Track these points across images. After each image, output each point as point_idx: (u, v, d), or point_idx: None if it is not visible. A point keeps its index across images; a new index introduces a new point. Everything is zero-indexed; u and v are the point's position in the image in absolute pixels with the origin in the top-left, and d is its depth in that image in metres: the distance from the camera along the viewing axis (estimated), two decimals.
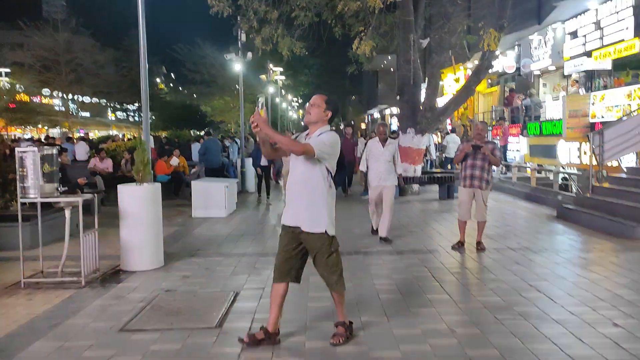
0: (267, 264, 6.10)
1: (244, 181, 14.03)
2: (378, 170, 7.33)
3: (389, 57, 41.39)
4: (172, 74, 61.28)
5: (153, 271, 5.80)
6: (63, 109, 34.57)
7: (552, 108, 13.71)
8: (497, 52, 12.67)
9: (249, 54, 14.15)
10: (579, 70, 14.32)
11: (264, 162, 11.35)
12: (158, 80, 52.24)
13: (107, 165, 12.02)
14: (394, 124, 44.34)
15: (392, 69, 45.21)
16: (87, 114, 47.60)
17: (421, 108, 12.76)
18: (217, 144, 14.84)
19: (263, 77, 27.21)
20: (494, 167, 7.45)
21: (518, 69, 18.34)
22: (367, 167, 7.51)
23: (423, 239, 7.57)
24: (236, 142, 15.95)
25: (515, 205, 11.11)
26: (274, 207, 11.20)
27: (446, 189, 12.12)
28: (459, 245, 6.78)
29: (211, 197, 9.82)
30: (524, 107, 16.48)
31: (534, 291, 4.87)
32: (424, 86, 13.14)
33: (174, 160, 12.54)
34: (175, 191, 12.54)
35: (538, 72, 17.85)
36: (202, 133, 17.27)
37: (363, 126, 59.70)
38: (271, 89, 27.92)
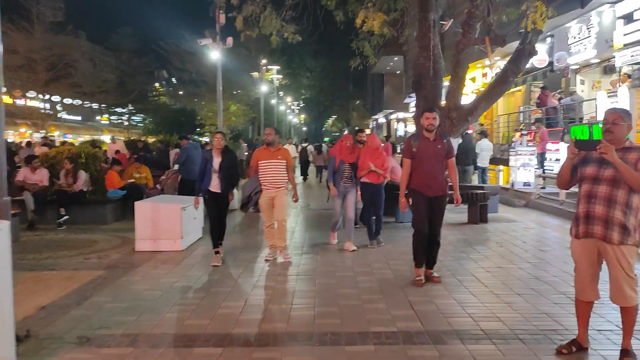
0: None
1: None
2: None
3: (395, 59, 38.85)
4: (173, 79, 59.26)
5: None
6: (51, 112, 32.21)
7: (607, 107, 10.96)
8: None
9: (229, 40, 11.49)
10: (638, 60, 11.61)
11: (215, 185, 6.46)
12: (157, 84, 49.77)
13: (42, 177, 9.37)
14: (400, 130, 41.73)
15: (398, 72, 42.57)
16: (77, 118, 45.21)
17: (443, 106, 10.06)
18: (198, 150, 12.15)
19: (255, 74, 24.55)
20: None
21: (550, 63, 15.64)
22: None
23: (463, 299, 4.84)
24: None
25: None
26: (247, 249, 8.45)
27: (478, 210, 9.39)
28: (576, 348, 3.59)
29: (161, 224, 7.12)
30: (561, 108, 13.81)
31: None
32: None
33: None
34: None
35: (576, 67, 15.12)
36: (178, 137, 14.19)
37: (368, 132, 57.06)
38: (264, 88, 25.24)
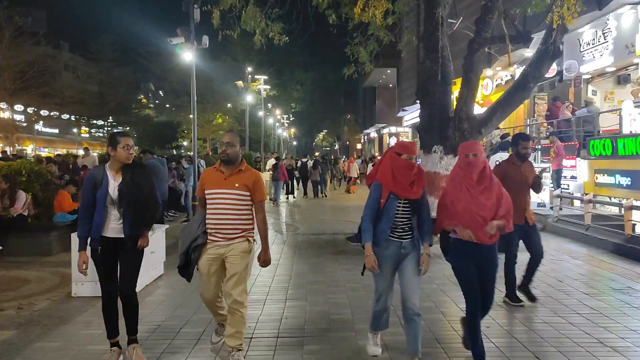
0: None
1: None
2: None
3: (388, 71, 37.82)
4: (160, 91, 57.90)
5: None
6: (24, 124, 30.55)
7: (635, 118, 9.70)
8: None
9: (205, 39, 10.06)
10: None
11: (113, 228, 3.75)
12: (142, 97, 48.31)
13: None
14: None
15: (391, 85, 41.55)
16: (55, 130, 43.36)
17: (452, 116, 8.71)
18: (164, 165, 10.62)
19: (239, 83, 23.14)
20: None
21: (560, 72, 14.44)
22: None
23: None
24: (200, 165, 11.83)
25: (612, 268, 6.96)
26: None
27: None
28: None
29: None
30: (575, 120, 12.51)
31: None
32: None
33: None
34: None
35: (588, 76, 13.91)
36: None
37: (359, 146, 55.92)
38: (249, 98, 23.81)
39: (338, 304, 5.28)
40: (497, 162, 9.59)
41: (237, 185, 3.68)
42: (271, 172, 17.80)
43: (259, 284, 6.09)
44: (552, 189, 11.07)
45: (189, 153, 26.81)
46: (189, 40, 9.92)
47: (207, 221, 3.72)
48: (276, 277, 6.45)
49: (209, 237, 3.70)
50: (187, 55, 10.11)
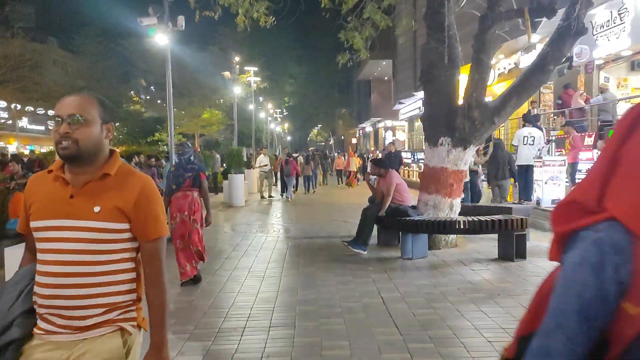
0: None
1: None
2: None
3: (384, 63, 36.77)
4: (152, 87, 56.42)
5: None
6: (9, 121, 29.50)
7: None
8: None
9: (180, 19, 8.98)
10: None
11: None
12: (132, 92, 47.09)
13: None
14: (389, 138, 39.53)
15: (386, 77, 40.50)
16: (41, 127, 42.14)
17: (460, 104, 7.72)
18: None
19: (226, 74, 22.04)
20: None
21: (569, 58, 13.43)
22: None
23: None
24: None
25: None
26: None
27: (513, 242, 6.93)
28: None
29: None
30: (590, 109, 11.58)
31: None
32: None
33: None
34: None
35: (600, 62, 12.94)
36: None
37: (354, 141, 54.91)
38: (237, 90, 22.66)
39: (333, 332, 4.28)
40: (527, 137, 8.54)
41: (97, 209, 1.65)
42: (262, 169, 16.94)
43: (238, 306, 5.08)
44: (568, 184, 10.13)
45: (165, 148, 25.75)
46: (162, 22, 8.84)
47: (36, 288, 1.69)
48: (260, 296, 5.44)
49: (39, 324, 1.68)
50: (161, 38, 9.03)
